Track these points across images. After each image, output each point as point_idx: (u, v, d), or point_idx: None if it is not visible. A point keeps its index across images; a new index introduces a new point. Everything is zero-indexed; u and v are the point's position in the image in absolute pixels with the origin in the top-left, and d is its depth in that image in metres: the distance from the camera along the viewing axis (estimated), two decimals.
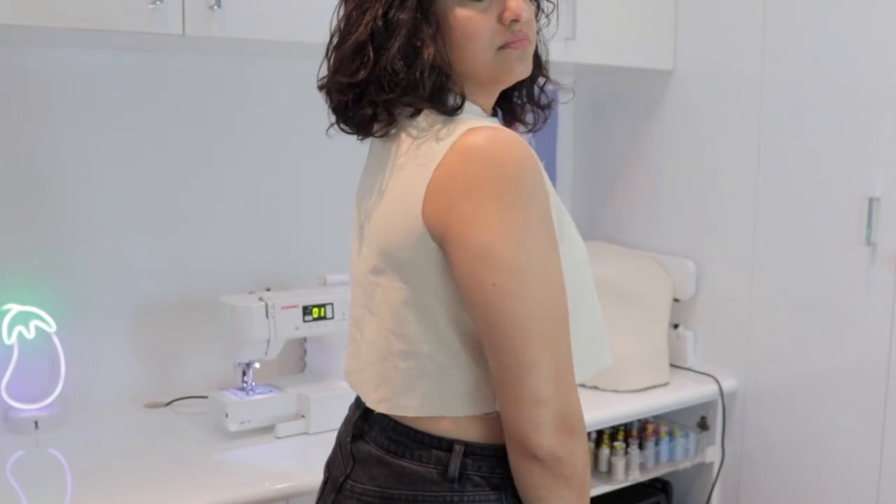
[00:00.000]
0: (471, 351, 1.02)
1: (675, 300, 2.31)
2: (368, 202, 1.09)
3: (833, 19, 1.98)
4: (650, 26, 2.28)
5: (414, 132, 1.04)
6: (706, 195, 2.28)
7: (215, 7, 1.60)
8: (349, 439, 1.14)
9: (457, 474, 1.03)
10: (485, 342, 0.99)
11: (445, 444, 1.04)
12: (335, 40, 1.08)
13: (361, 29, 1.02)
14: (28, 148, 1.82)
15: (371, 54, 1.02)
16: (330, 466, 1.19)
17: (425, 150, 1.01)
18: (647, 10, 2.27)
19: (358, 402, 1.17)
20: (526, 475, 1.00)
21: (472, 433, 1.04)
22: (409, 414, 1.05)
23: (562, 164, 2.66)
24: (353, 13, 1.04)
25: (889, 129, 1.90)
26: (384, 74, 1.02)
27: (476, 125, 0.99)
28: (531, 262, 0.96)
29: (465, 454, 1.03)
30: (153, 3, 1.54)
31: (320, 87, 1.10)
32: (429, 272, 1.00)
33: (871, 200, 1.92)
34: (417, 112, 1.04)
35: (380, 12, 1.01)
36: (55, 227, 1.86)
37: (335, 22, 1.08)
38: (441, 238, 0.97)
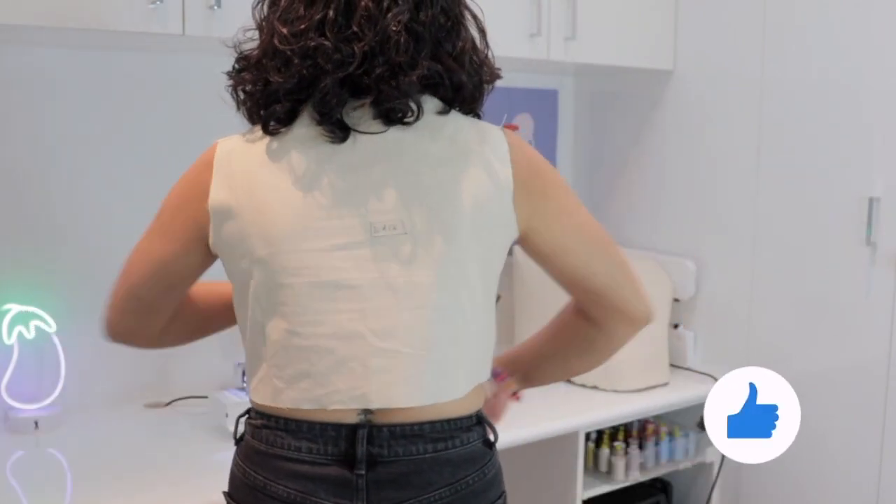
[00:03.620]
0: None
1: (675, 300, 2.31)
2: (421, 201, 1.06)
3: (833, 19, 1.98)
4: (650, 26, 2.28)
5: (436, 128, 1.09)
6: (706, 195, 2.28)
7: (215, 7, 1.60)
8: (360, 476, 1.06)
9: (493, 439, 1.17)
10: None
11: (475, 418, 1.14)
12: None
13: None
14: (28, 148, 1.82)
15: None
16: None
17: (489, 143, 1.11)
18: (647, 10, 2.27)
19: (336, 435, 1.06)
20: (627, 337, 1.24)
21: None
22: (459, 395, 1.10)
23: (562, 164, 2.66)
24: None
25: (889, 129, 1.90)
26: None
27: None
28: None
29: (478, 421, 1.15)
30: (153, 3, 1.54)
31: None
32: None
33: (871, 200, 1.92)
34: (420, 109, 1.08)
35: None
36: (55, 228, 1.86)
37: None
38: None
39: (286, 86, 1.03)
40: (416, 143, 1.06)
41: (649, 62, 2.30)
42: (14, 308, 1.79)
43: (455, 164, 1.07)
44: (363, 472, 1.05)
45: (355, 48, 1.01)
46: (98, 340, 1.91)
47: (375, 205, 1.04)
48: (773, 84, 2.11)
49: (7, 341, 1.78)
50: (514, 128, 2.53)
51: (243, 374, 1.83)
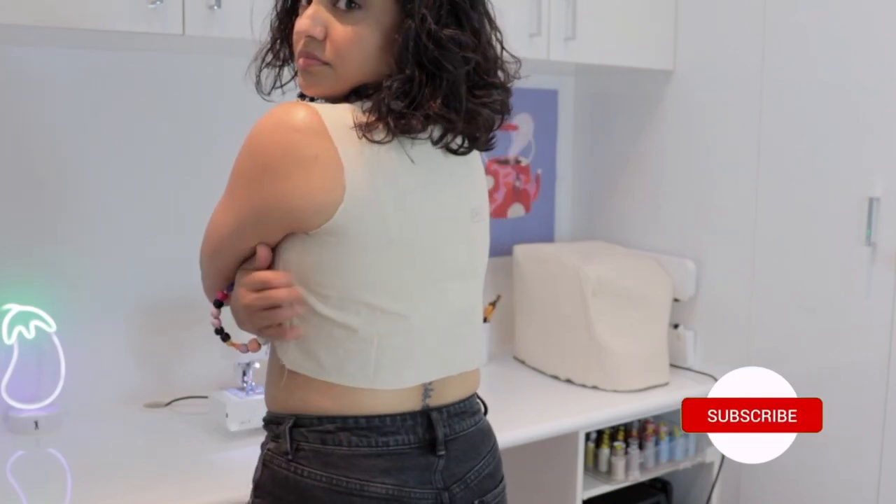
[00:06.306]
0: None
1: (675, 300, 2.31)
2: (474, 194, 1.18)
3: (833, 19, 1.98)
4: (650, 26, 2.28)
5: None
6: (706, 195, 2.28)
7: (215, 7, 1.60)
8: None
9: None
10: None
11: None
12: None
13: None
14: (28, 148, 1.82)
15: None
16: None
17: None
18: (647, 10, 2.27)
19: (415, 421, 1.10)
20: None
21: None
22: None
23: (562, 164, 2.66)
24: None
25: (889, 130, 1.90)
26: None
27: None
28: None
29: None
30: (153, 3, 1.54)
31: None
32: None
33: (871, 200, 1.92)
34: None
35: None
36: (55, 227, 1.86)
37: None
38: None
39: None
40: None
41: (649, 62, 2.30)
42: (14, 308, 1.78)
43: (479, 167, 1.20)
44: (444, 452, 1.10)
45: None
46: (98, 340, 1.93)
47: (471, 192, 1.15)
48: (773, 84, 2.11)
49: (7, 341, 1.78)
50: (514, 128, 2.53)
51: (243, 373, 1.83)
